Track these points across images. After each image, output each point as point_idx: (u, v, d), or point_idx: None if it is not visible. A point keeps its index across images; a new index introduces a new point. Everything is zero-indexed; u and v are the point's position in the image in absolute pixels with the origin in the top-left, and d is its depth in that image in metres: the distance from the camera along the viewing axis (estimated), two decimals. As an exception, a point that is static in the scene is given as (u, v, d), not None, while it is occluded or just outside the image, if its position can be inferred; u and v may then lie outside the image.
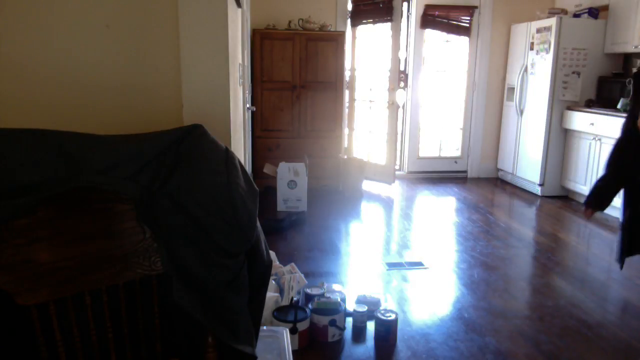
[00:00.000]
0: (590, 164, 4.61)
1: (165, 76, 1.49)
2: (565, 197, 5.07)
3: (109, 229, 1.09)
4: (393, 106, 5.20)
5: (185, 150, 1.14)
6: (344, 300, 2.51)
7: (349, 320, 2.42)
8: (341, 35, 5.04)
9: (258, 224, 1.18)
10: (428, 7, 5.64)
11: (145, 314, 1.20)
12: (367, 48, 5.45)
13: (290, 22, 5.04)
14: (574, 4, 5.23)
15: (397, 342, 2.32)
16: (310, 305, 2.35)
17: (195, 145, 1.15)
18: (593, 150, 4.58)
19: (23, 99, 1.44)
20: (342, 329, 2.33)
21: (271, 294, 2.37)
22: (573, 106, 4.88)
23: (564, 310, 2.66)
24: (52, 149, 1.05)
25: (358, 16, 5.31)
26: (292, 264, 2.69)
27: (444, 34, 5.77)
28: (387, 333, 2.30)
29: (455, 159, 6.09)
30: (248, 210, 1.12)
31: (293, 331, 2.16)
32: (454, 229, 4.07)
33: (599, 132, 4.47)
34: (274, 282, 2.53)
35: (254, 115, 4.77)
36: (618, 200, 4.47)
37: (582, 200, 4.84)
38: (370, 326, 2.40)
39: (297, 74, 4.99)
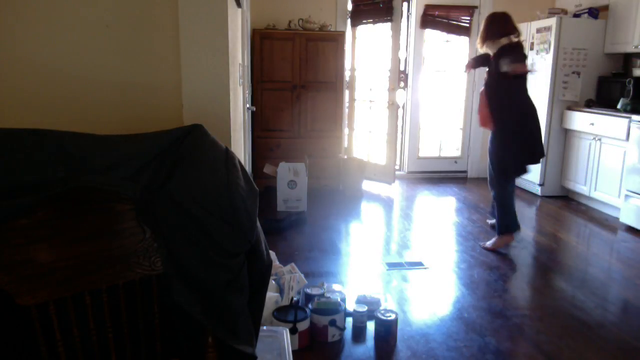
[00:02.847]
0: (590, 164, 4.61)
1: (165, 76, 1.49)
2: (565, 197, 5.07)
3: (109, 229, 1.09)
4: (393, 106, 5.20)
5: (185, 150, 1.14)
6: (344, 300, 2.51)
7: (349, 320, 2.42)
8: (341, 35, 5.04)
9: (258, 224, 1.18)
10: (428, 7, 5.64)
11: (145, 314, 1.20)
12: (367, 48, 5.44)
13: (290, 22, 5.03)
14: (574, 4, 5.23)
15: (397, 342, 2.32)
16: (310, 305, 2.34)
17: (195, 145, 1.16)
18: (593, 150, 4.58)
19: (23, 99, 1.44)
20: (342, 329, 2.33)
21: (271, 294, 2.37)
22: (573, 106, 4.88)
23: (564, 310, 2.66)
24: (52, 149, 1.05)
25: (358, 16, 5.31)
26: (292, 264, 2.69)
27: (444, 34, 5.77)
28: (387, 333, 2.30)
29: (455, 159, 6.09)
30: (248, 210, 1.12)
31: (293, 331, 2.16)
32: (454, 229, 4.07)
33: (599, 132, 4.46)
34: (274, 282, 2.53)
35: (254, 115, 4.77)
36: (618, 201, 4.42)
37: (583, 201, 4.86)
38: (370, 326, 2.40)
39: (297, 74, 4.99)
